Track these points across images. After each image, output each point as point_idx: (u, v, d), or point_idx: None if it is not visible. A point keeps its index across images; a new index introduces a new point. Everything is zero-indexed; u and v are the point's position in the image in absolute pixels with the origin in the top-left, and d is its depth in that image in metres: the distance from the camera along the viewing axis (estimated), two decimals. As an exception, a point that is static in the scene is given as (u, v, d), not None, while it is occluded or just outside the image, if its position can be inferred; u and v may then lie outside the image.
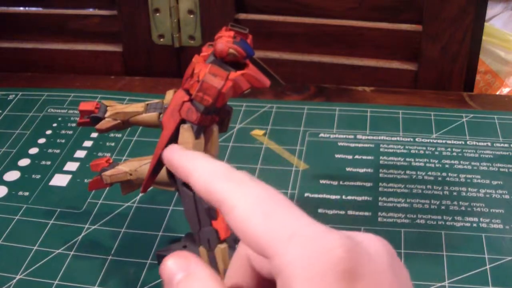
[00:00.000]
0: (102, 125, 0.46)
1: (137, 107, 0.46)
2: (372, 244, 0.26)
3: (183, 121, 0.39)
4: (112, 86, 0.72)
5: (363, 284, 0.24)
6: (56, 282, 0.47)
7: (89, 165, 0.47)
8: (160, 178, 0.42)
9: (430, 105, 0.66)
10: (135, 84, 0.73)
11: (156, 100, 0.46)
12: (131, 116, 0.46)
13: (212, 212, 0.38)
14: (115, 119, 0.46)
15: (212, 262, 0.39)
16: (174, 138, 0.39)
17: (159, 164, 0.40)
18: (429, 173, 0.56)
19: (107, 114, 0.46)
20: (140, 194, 0.55)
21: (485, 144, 0.60)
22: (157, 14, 0.72)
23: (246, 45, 0.38)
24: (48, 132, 0.64)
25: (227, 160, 0.57)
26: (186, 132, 0.39)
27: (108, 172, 0.45)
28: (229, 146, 0.60)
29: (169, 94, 0.44)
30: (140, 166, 0.44)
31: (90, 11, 0.76)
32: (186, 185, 0.41)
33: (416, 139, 0.61)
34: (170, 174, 0.41)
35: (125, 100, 0.68)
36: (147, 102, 0.46)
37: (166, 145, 0.37)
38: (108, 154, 0.60)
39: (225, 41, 0.38)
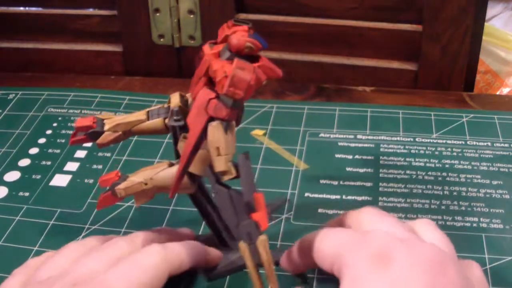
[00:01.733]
0: (103, 139, 0.45)
1: (138, 115, 0.45)
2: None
3: (209, 120, 0.38)
4: (112, 86, 0.72)
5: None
6: (56, 282, 0.47)
7: (99, 182, 0.45)
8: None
9: (430, 105, 0.66)
10: (135, 84, 0.73)
11: (156, 106, 0.45)
12: (133, 126, 0.45)
13: (251, 205, 0.38)
14: (115, 131, 0.45)
15: (255, 255, 0.39)
16: (202, 138, 0.38)
17: (187, 166, 0.39)
18: (429, 173, 0.56)
19: (106, 127, 0.45)
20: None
21: (485, 144, 0.60)
22: (157, 14, 0.72)
23: (259, 37, 0.38)
24: (48, 132, 0.64)
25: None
26: (216, 130, 0.38)
27: (122, 186, 0.43)
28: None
29: (175, 97, 0.44)
30: (156, 174, 0.42)
31: (90, 11, 0.76)
32: (220, 182, 0.42)
33: (416, 139, 0.61)
34: (191, 176, 0.41)
35: (125, 100, 0.68)
36: (147, 110, 0.45)
37: (195, 146, 0.38)
38: (109, 154, 0.61)
39: (240, 35, 0.38)
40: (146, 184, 0.42)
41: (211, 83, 0.39)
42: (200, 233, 0.50)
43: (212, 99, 0.38)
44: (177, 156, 0.43)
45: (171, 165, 0.43)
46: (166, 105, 0.45)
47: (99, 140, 0.45)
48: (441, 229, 0.41)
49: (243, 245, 0.39)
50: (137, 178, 0.43)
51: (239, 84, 0.37)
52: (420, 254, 0.35)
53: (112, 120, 0.45)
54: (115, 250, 0.41)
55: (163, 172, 0.42)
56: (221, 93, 0.37)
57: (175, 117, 0.43)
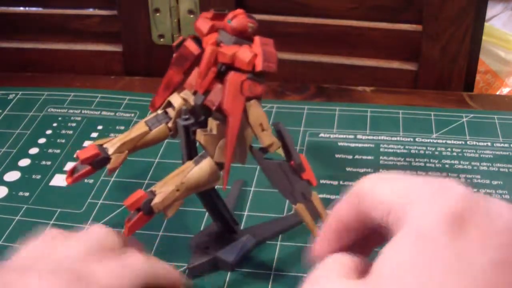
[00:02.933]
0: (114, 163, 0.44)
1: (139, 129, 0.44)
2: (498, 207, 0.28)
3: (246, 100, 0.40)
4: (112, 86, 0.72)
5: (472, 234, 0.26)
6: (56, 282, 0.47)
7: (127, 206, 0.41)
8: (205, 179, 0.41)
9: (430, 105, 0.66)
10: (135, 84, 0.73)
11: (151, 115, 0.45)
12: (138, 141, 0.44)
13: (299, 167, 0.41)
14: (121, 151, 0.44)
15: (313, 212, 0.42)
16: (243, 119, 0.40)
17: (235, 152, 0.40)
18: (429, 173, 0.56)
19: (111, 150, 0.44)
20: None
21: (485, 144, 0.60)
22: (157, 14, 0.72)
23: (252, 17, 0.40)
24: (48, 132, 0.64)
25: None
26: (256, 108, 0.40)
27: (157, 199, 0.40)
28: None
29: (176, 98, 0.44)
30: (185, 176, 0.41)
31: (90, 11, 0.76)
32: (266, 158, 0.42)
33: (416, 139, 0.61)
34: (218, 165, 0.41)
35: (125, 100, 0.68)
36: (143, 121, 0.44)
37: (240, 129, 0.40)
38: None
39: (241, 18, 0.40)
40: (178, 190, 0.41)
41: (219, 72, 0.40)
42: (202, 228, 0.50)
43: (244, 80, 0.39)
44: (189, 155, 0.42)
45: (197, 162, 0.42)
46: (160, 111, 0.45)
47: (110, 166, 0.44)
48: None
49: (300, 206, 0.42)
50: (168, 187, 0.41)
51: (271, 58, 0.39)
52: (500, 222, 0.28)
53: (113, 142, 0.44)
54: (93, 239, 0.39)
55: (193, 172, 0.41)
56: (258, 69, 0.39)
57: (184, 116, 0.42)
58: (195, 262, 0.46)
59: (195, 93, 0.41)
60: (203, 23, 0.41)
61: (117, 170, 0.58)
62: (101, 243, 0.39)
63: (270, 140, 0.41)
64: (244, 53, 0.39)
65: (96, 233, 0.39)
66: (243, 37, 0.40)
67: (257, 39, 0.40)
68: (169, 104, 0.45)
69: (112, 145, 0.44)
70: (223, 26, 0.40)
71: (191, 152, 0.42)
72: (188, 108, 0.42)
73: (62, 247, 0.38)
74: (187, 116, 0.42)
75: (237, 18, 0.39)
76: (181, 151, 0.43)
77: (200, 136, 0.41)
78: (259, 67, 0.39)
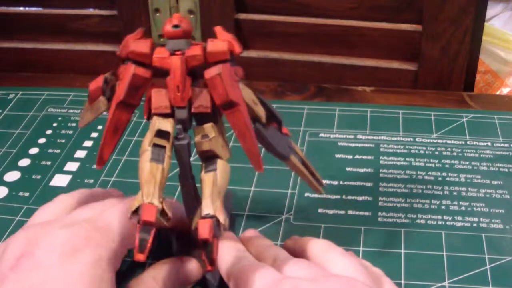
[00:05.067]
0: (168, 211, 0.38)
1: (156, 170, 0.38)
2: None
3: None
4: (112, 86, 0.72)
5: None
6: (56, 282, 0.47)
7: (205, 240, 0.36)
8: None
9: (430, 105, 0.66)
10: (135, 84, 0.73)
11: (146, 154, 0.39)
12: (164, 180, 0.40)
13: (281, 123, 0.44)
14: (161, 197, 0.38)
15: (300, 159, 0.45)
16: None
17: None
18: (429, 173, 0.56)
19: (157, 203, 0.37)
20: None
21: (485, 144, 0.60)
22: (157, 14, 0.72)
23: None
24: (48, 132, 0.64)
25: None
26: (244, 88, 0.40)
27: (221, 219, 0.37)
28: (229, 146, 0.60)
29: (165, 123, 0.40)
30: (216, 186, 0.38)
31: (90, 11, 0.76)
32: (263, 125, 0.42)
33: (416, 139, 0.61)
34: None
35: (125, 100, 0.68)
36: (148, 161, 0.39)
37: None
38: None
39: (186, 20, 0.39)
40: (221, 201, 0.38)
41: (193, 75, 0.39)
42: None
43: (231, 68, 0.39)
44: (183, 177, 0.41)
45: (212, 170, 0.39)
46: (149, 147, 0.39)
47: (169, 214, 0.37)
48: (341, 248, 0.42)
49: (293, 157, 0.44)
50: (216, 202, 0.38)
51: (234, 41, 0.39)
52: None
53: (153, 195, 0.37)
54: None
55: (219, 180, 0.39)
56: (238, 52, 0.38)
57: (180, 136, 0.40)
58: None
59: (172, 111, 0.39)
60: (139, 44, 0.39)
61: (117, 171, 0.58)
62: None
63: (263, 111, 0.42)
64: (216, 46, 0.38)
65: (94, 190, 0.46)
66: (190, 37, 0.39)
67: (218, 28, 0.40)
68: (161, 134, 0.40)
69: (154, 198, 0.37)
70: (170, 35, 0.39)
71: (187, 172, 0.42)
72: (180, 127, 0.40)
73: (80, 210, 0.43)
74: (182, 135, 0.40)
75: (184, 21, 0.39)
76: (183, 170, 0.41)
77: (203, 144, 0.39)
78: (238, 49, 0.38)
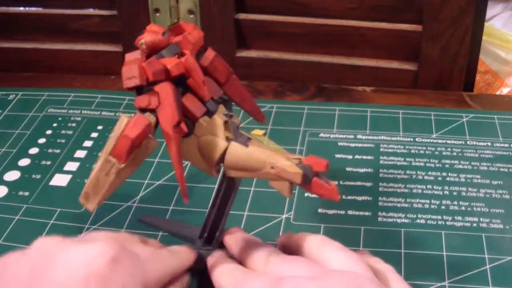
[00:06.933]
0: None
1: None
2: None
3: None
4: (112, 86, 0.72)
5: None
6: (56, 282, 0.47)
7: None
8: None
9: (430, 105, 0.66)
10: (135, 84, 0.73)
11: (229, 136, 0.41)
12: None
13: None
14: None
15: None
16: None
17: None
18: (429, 173, 0.56)
19: None
20: (141, 194, 0.55)
21: (485, 144, 0.60)
22: (157, 14, 0.72)
23: None
24: (48, 132, 0.64)
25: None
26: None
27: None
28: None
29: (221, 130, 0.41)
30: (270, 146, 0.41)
31: (90, 11, 0.76)
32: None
33: (416, 139, 0.61)
34: None
35: (125, 100, 0.68)
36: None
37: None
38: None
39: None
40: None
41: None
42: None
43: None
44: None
45: (249, 140, 0.41)
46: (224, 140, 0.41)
47: None
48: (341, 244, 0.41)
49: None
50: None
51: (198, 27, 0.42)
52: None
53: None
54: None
55: (267, 144, 0.42)
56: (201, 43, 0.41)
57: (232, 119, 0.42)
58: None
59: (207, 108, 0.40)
60: (155, 65, 0.38)
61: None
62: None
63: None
64: (195, 36, 0.41)
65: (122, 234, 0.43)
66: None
67: (181, 22, 0.42)
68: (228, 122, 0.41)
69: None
70: (163, 44, 0.39)
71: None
72: (236, 123, 0.41)
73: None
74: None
75: (154, 27, 0.40)
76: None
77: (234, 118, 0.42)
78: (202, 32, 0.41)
